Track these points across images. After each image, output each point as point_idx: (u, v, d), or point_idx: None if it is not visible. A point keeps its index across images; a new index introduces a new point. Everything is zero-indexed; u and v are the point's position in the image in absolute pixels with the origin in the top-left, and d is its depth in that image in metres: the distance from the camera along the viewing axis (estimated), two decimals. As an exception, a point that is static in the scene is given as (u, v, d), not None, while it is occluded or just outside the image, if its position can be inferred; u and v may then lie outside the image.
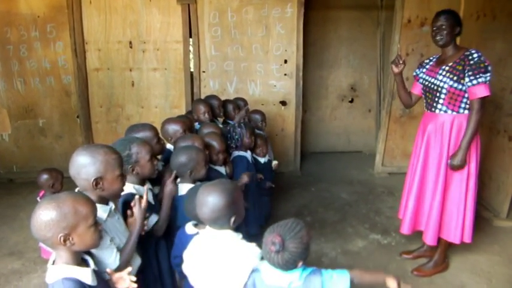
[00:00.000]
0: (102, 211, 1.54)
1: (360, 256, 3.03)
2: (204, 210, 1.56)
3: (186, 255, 1.64)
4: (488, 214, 3.54)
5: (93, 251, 1.45)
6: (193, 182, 2.14)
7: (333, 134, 5.91)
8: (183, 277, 1.79)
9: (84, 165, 1.50)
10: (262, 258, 1.53)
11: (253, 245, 1.57)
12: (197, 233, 1.72)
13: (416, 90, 2.84)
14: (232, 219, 1.57)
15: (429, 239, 2.64)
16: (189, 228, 1.81)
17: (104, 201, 1.59)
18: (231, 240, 1.57)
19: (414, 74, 2.84)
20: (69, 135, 4.73)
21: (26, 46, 4.43)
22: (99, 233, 1.36)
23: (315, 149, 5.83)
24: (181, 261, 1.73)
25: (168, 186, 1.98)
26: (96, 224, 1.35)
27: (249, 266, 1.53)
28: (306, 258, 1.47)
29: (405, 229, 2.76)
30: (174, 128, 2.63)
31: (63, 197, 1.28)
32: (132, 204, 1.70)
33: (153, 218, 1.92)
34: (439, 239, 2.68)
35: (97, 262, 1.45)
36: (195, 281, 1.61)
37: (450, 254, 2.89)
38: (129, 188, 1.86)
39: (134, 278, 1.48)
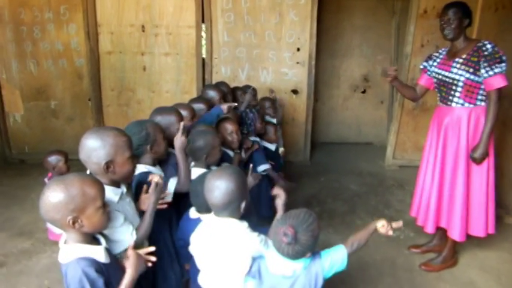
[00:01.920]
0: (113, 194, 1.55)
1: (367, 248, 2.95)
2: (216, 194, 1.53)
3: (193, 238, 1.65)
4: (499, 211, 3.47)
5: (108, 232, 1.45)
6: (207, 166, 2.15)
7: (344, 124, 5.87)
8: (188, 260, 1.81)
9: (95, 149, 1.49)
10: (267, 245, 1.54)
11: (255, 234, 1.55)
12: (198, 218, 1.73)
13: (423, 81, 2.78)
14: (243, 205, 1.56)
15: (457, 236, 2.56)
16: (193, 213, 1.84)
17: (116, 184, 1.59)
18: (235, 228, 1.56)
19: (422, 66, 2.78)
20: (80, 118, 4.76)
21: (39, 27, 4.43)
22: (107, 215, 1.36)
23: (325, 139, 5.80)
24: (184, 244, 1.75)
25: (178, 139, 1.95)
26: (105, 205, 1.34)
27: (250, 256, 1.53)
28: (314, 249, 1.48)
29: (429, 228, 2.68)
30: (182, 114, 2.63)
31: (71, 179, 1.28)
32: (149, 178, 1.68)
33: (172, 182, 1.93)
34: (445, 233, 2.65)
35: (110, 242, 1.46)
36: (201, 264, 1.63)
37: (459, 249, 2.86)
38: (141, 168, 1.87)
39: (154, 258, 1.48)
